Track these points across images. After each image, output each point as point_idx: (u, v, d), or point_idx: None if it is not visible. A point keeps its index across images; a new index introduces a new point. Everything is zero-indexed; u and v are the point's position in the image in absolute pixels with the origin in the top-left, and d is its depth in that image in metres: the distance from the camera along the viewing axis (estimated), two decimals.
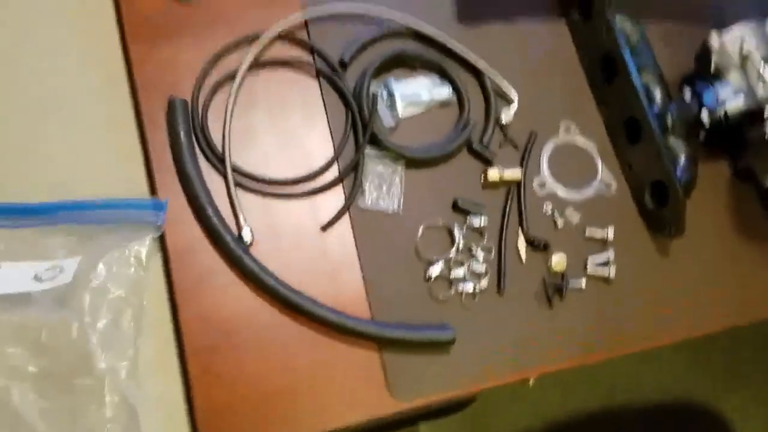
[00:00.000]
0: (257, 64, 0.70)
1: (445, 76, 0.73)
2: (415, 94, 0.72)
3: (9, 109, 0.65)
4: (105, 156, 0.66)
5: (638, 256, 0.73)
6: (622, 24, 0.75)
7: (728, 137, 0.74)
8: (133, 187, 0.65)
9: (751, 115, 0.70)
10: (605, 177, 0.75)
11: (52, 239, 0.61)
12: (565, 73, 0.78)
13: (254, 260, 0.62)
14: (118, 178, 0.65)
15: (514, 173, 0.71)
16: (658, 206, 0.72)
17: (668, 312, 0.72)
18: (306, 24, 0.72)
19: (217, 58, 0.69)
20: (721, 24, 0.75)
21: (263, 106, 0.70)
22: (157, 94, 0.66)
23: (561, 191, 0.73)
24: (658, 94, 0.74)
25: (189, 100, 0.67)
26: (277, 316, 0.63)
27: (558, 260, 0.69)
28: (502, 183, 0.71)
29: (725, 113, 0.70)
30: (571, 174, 0.74)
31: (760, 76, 0.69)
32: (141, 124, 0.66)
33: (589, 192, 0.74)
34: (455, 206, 0.70)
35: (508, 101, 0.74)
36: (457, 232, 0.68)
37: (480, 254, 0.69)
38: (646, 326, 0.71)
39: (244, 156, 0.67)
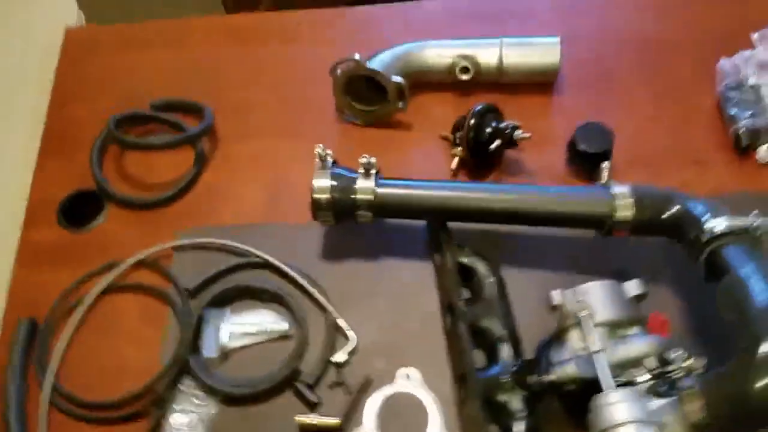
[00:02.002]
0: (118, 288, 0.77)
1: (290, 310, 0.74)
2: (246, 325, 0.73)
3: None
4: None
5: None
6: (476, 269, 0.71)
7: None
8: None
9: (590, 387, 0.59)
10: None
11: None
12: (423, 319, 0.73)
13: None
14: None
15: (331, 421, 0.67)
16: None
17: None
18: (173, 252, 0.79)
19: (79, 283, 0.77)
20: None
21: (112, 330, 0.75)
22: (21, 313, 0.75)
23: None
24: (504, 351, 0.67)
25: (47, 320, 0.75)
26: None
27: None
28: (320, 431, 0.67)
29: (553, 380, 0.60)
30: (402, 426, 0.68)
31: (590, 341, 0.60)
32: None
33: None
34: None
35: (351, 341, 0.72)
36: None
37: None
38: None
39: (77, 376, 0.71)
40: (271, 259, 0.76)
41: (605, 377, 0.57)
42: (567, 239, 0.76)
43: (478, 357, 0.69)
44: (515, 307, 0.71)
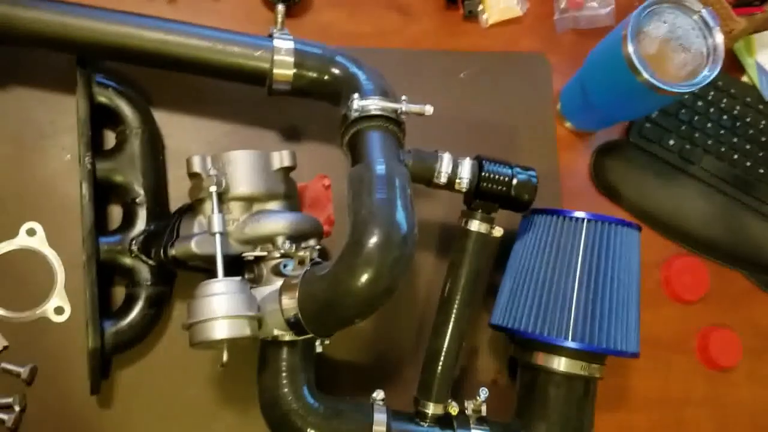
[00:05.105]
0: None
1: None
2: None
3: None
4: None
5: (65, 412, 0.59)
6: (122, 114, 0.60)
7: None
8: None
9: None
10: (61, 300, 0.61)
11: None
12: (56, 168, 0.62)
13: None
14: None
15: None
16: None
17: None
18: None
19: None
20: None
21: None
22: None
23: None
24: (141, 214, 0.60)
25: None
26: None
27: None
28: None
29: (175, 255, 0.55)
30: (21, 286, 0.60)
31: (212, 222, 0.54)
32: None
33: (28, 315, 0.60)
34: None
35: None
36: None
37: None
38: None
39: None
40: None
41: (219, 262, 0.53)
42: (240, 89, 0.66)
43: (116, 215, 0.62)
44: (170, 164, 0.63)
